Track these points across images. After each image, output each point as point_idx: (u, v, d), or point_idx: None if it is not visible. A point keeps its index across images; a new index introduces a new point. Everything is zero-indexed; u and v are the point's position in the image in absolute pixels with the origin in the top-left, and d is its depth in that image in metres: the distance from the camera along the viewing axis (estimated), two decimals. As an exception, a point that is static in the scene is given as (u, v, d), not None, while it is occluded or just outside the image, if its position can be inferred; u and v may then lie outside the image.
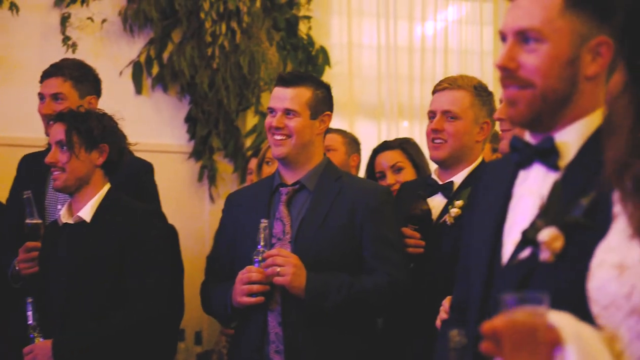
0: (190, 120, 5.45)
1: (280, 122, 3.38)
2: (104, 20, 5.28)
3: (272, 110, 3.44)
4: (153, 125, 5.40)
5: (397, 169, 4.13)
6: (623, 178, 1.52)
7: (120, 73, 5.34)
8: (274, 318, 3.27)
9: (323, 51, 5.69)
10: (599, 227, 1.70)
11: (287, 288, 3.21)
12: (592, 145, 1.92)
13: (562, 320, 1.47)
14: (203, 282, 3.60)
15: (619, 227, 1.54)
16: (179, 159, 5.47)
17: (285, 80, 3.46)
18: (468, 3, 6.15)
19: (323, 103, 3.48)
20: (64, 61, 4.21)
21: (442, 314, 2.81)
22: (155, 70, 5.40)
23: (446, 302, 2.82)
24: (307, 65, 5.60)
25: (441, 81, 3.60)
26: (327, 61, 5.69)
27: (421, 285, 3.35)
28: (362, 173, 4.55)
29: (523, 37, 1.94)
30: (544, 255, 1.82)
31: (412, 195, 3.59)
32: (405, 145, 4.21)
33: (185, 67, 5.30)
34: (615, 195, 1.60)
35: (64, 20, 5.20)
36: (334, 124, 5.54)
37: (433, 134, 3.50)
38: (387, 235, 3.37)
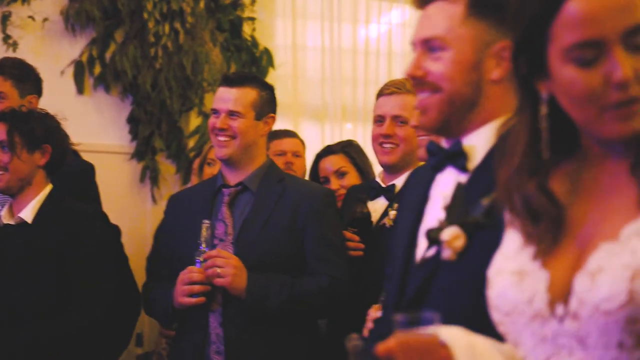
0: (132, 120, 5.41)
1: (224, 124, 3.37)
2: (45, 19, 5.22)
3: (215, 111, 3.43)
4: (95, 126, 5.34)
5: (340, 174, 4.12)
6: (512, 199, 1.56)
7: (62, 72, 5.29)
8: (215, 319, 3.26)
9: (267, 53, 5.69)
10: (499, 227, 1.77)
11: (227, 289, 3.21)
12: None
13: (454, 337, 1.49)
14: (144, 283, 3.58)
15: (514, 236, 1.58)
16: (121, 160, 5.42)
17: (230, 81, 3.44)
18: (411, 7, 6.18)
19: (267, 104, 3.48)
20: (4, 60, 4.17)
21: (369, 324, 2.80)
22: (97, 70, 5.35)
23: (372, 312, 2.83)
24: (251, 67, 5.60)
25: (388, 85, 3.57)
26: (271, 63, 5.69)
27: (361, 287, 3.37)
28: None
29: (429, 46, 2.02)
30: (446, 254, 1.88)
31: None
32: (348, 149, 4.21)
33: (127, 67, 5.26)
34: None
35: (5, 18, 5.12)
36: (278, 125, 5.58)
37: (383, 139, 3.48)
38: (329, 237, 3.38)
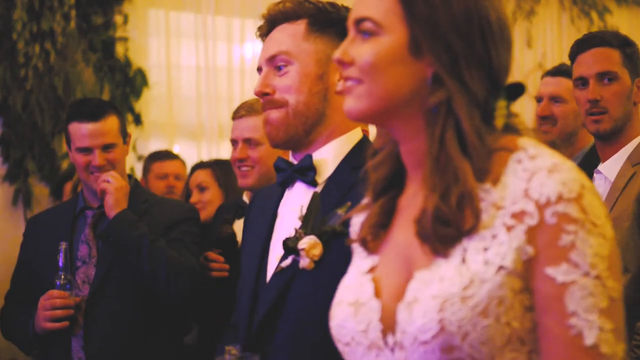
0: (3, 142, 5.30)
1: (102, 160, 3.31)
2: None
3: (88, 149, 3.32)
4: (-36, 149, 5.23)
5: (201, 188, 4.19)
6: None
7: None
8: (77, 342, 3.21)
9: (141, 72, 5.65)
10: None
11: (107, 198, 3.21)
12: (349, 161, 2.08)
13: None
14: (2, 307, 3.48)
15: (354, 264, 1.59)
16: (-8, 183, 5.32)
17: (93, 115, 3.33)
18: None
19: (124, 125, 3.47)
20: None
21: None
22: (-35, 91, 5.24)
23: None
24: (125, 87, 5.55)
25: (238, 108, 3.53)
26: (145, 82, 5.66)
27: (226, 307, 3.36)
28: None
29: (275, 63, 2.10)
30: (304, 263, 1.94)
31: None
32: (217, 166, 4.25)
33: (-3, 89, 5.17)
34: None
35: None
36: (155, 145, 5.57)
37: (239, 162, 3.45)
38: (185, 241, 3.34)
